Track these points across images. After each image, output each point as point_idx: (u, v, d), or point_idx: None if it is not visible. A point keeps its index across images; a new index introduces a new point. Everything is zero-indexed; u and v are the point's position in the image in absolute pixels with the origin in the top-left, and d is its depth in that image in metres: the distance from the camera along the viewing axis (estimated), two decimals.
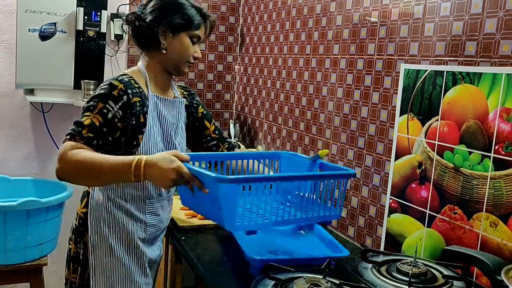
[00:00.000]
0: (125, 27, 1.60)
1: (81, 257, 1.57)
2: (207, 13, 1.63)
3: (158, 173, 1.31)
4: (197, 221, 1.99)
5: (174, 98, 1.66)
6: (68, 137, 1.43)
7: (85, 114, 1.45)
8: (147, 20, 1.53)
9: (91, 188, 1.56)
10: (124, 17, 1.58)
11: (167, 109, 1.60)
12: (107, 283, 1.53)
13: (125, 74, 1.54)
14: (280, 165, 1.76)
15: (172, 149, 1.59)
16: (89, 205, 1.54)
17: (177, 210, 2.04)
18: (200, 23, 1.58)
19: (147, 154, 1.42)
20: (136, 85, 1.52)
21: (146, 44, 1.57)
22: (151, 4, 1.57)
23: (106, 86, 1.47)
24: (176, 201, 1.84)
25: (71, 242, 1.61)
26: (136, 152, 1.49)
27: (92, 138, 1.42)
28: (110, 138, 1.46)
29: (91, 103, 1.46)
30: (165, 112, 1.59)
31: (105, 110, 1.44)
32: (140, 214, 1.57)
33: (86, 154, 1.37)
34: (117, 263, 1.54)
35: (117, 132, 1.47)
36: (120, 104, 1.46)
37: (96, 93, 1.47)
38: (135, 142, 1.50)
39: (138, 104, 1.49)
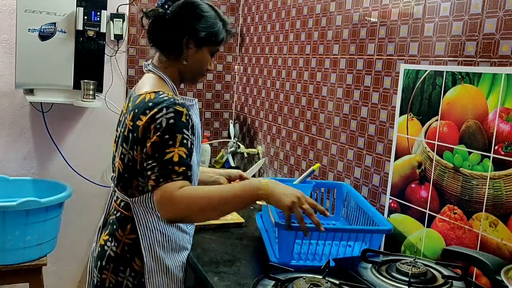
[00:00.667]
0: (145, 20, 1.50)
1: (130, 286, 1.49)
2: (231, 28, 1.56)
3: (282, 190, 1.35)
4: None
5: (185, 100, 1.57)
6: (162, 180, 1.29)
7: (167, 151, 1.31)
8: (170, 24, 1.44)
9: (134, 211, 1.47)
10: (144, 12, 1.47)
11: (194, 114, 1.53)
12: None
13: (165, 93, 1.40)
14: None
15: (200, 150, 1.56)
16: (140, 231, 1.46)
17: None
18: (224, 39, 1.52)
19: (195, 165, 1.42)
20: (187, 102, 1.44)
21: (166, 48, 1.49)
22: (177, 5, 1.45)
23: (172, 115, 1.33)
24: None
25: (106, 272, 1.50)
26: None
27: (185, 170, 1.32)
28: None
29: (167, 136, 1.32)
30: (195, 118, 1.51)
31: (185, 141, 1.34)
32: (185, 225, 1.59)
33: (200, 192, 1.31)
34: (170, 281, 1.53)
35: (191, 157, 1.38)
36: (189, 130, 1.36)
37: (164, 125, 1.32)
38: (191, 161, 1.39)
39: (194, 124, 1.41)
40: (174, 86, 1.51)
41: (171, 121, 1.33)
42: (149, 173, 1.32)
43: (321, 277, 1.29)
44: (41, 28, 2.53)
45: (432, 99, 1.58)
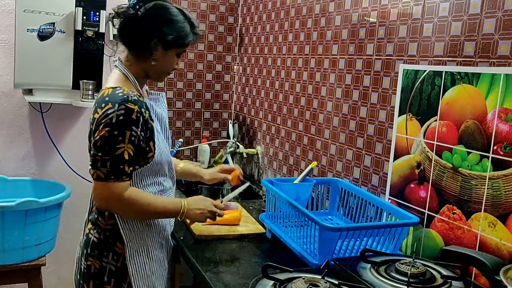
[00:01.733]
0: (115, 20, 1.55)
1: (113, 269, 1.54)
2: (198, 31, 1.62)
3: (197, 210, 1.63)
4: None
5: (150, 94, 1.69)
6: (113, 177, 1.44)
7: (117, 146, 1.43)
8: (140, 26, 1.50)
9: (94, 203, 1.56)
10: (114, 11, 1.53)
11: (158, 106, 1.66)
12: (148, 285, 1.58)
13: (122, 89, 1.49)
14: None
15: (170, 141, 1.69)
16: (117, 216, 1.53)
17: None
18: (191, 41, 1.59)
19: (160, 157, 1.56)
20: (141, 98, 1.50)
21: (134, 48, 1.55)
22: (147, 7, 1.51)
23: (122, 111, 1.43)
24: None
25: (90, 259, 1.56)
26: (151, 160, 1.53)
27: (132, 170, 1.49)
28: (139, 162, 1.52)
29: (116, 132, 1.42)
30: (158, 109, 1.64)
31: (133, 138, 1.45)
32: None
33: (143, 198, 1.50)
34: (154, 264, 1.60)
35: (143, 154, 1.51)
36: (140, 126, 1.46)
37: (113, 121, 1.42)
38: (148, 149, 1.52)
39: (149, 119, 1.51)
40: (137, 83, 1.57)
41: (121, 118, 1.43)
42: (98, 164, 1.44)
43: (320, 277, 1.29)
44: (40, 28, 2.53)
45: (431, 99, 1.58)
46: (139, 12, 1.50)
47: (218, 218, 1.71)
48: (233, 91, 3.22)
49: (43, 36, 2.54)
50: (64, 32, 2.58)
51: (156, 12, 1.51)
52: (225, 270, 1.58)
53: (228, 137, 3.14)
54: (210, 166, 3.08)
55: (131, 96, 1.46)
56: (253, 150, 2.86)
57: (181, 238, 1.85)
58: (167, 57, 1.56)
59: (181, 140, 2.99)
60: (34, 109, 2.80)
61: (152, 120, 1.53)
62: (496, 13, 1.37)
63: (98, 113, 1.45)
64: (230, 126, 3.14)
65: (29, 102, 2.76)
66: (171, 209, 1.58)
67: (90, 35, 2.60)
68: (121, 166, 1.44)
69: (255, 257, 1.70)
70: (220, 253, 1.72)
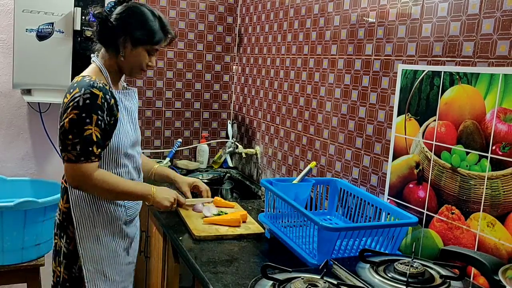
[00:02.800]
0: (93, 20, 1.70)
1: (65, 251, 1.67)
2: (169, 29, 1.72)
3: (165, 195, 1.75)
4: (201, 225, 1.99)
5: (125, 89, 1.81)
6: (82, 159, 1.54)
7: (85, 127, 1.53)
8: (110, 25, 1.63)
9: (68, 184, 1.64)
10: (92, 12, 1.67)
11: (128, 100, 1.75)
12: (98, 270, 1.67)
13: (90, 77, 1.60)
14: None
15: (137, 133, 1.78)
16: (71, 200, 1.65)
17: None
18: (160, 39, 1.69)
19: (120, 144, 1.65)
20: (107, 87, 1.61)
21: (106, 45, 1.68)
22: (119, 9, 1.65)
23: (88, 95, 1.54)
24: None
25: (56, 237, 1.73)
26: (108, 143, 1.63)
27: (100, 152, 1.59)
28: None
29: (84, 115, 1.53)
30: (127, 103, 1.73)
31: (99, 121, 1.56)
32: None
33: (112, 181, 1.61)
34: (105, 250, 1.68)
35: (107, 138, 1.62)
36: (105, 111, 1.58)
37: (80, 104, 1.53)
38: (106, 142, 1.62)
39: (115, 105, 1.62)
40: (109, 76, 1.68)
41: (87, 101, 1.54)
42: (69, 147, 1.53)
43: (319, 277, 1.29)
44: (39, 28, 2.53)
45: (430, 99, 1.58)
46: (112, 13, 1.65)
47: (218, 218, 1.90)
48: (232, 91, 3.22)
49: (42, 36, 2.54)
50: (63, 32, 2.58)
51: (127, 12, 1.65)
52: (224, 270, 1.58)
53: (227, 137, 3.14)
54: (209, 166, 3.08)
55: (97, 83, 1.58)
56: (252, 150, 2.86)
57: (180, 238, 1.85)
58: (135, 54, 1.66)
59: (180, 140, 2.99)
60: (33, 109, 2.79)
61: (118, 110, 1.63)
62: (494, 13, 1.37)
63: (67, 98, 1.57)
64: (229, 126, 3.14)
65: (27, 102, 2.75)
66: (139, 190, 1.69)
67: (89, 35, 2.59)
68: (90, 148, 1.54)
69: (254, 257, 1.70)
70: (219, 253, 1.72)
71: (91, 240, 1.65)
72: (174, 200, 1.78)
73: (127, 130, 1.70)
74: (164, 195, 1.75)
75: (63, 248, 1.68)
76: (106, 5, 1.69)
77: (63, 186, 1.70)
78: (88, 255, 1.65)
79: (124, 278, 1.76)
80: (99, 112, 1.55)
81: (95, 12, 1.65)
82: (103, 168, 1.64)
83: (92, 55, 1.74)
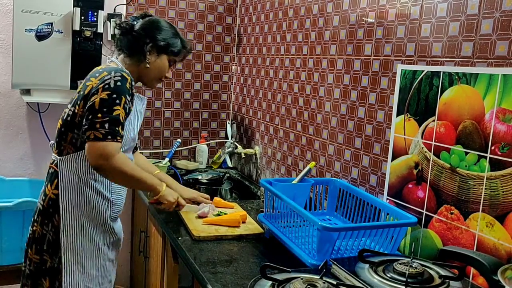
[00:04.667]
0: (116, 31, 1.80)
1: (49, 239, 1.67)
2: (188, 45, 1.85)
3: (171, 193, 1.82)
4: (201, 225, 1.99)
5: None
6: (110, 137, 1.57)
7: (114, 108, 1.58)
8: (136, 34, 1.74)
9: (59, 168, 1.66)
10: (118, 22, 1.78)
11: (139, 104, 1.83)
12: (77, 262, 1.67)
13: (116, 65, 1.70)
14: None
15: (136, 137, 1.85)
16: (60, 187, 1.65)
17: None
18: (180, 51, 1.81)
19: (124, 139, 1.67)
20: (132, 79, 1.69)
21: (131, 53, 1.76)
22: (142, 21, 1.77)
23: (119, 78, 1.61)
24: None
25: (36, 224, 1.70)
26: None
27: (122, 133, 1.62)
28: None
29: (115, 96, 1.58)
30: (139, 107, 1.82)
31: (126, 105, 1.62)
32: (108, 193, 1.73)
33: (131, 165, 1.65)
34: (88, 242, 1.69)
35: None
36: (130, 97, 1.64)
37: (112, 86, 1.58)
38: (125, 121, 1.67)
39: (134, 97, 1.70)
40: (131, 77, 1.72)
41: (118, 83, 1.60)
42: (97, 125, 1.56)
43: (318, 277, 1.29)
44: (38, 28, 2.53)
45: (429, 99, 1.58)
46: (136, 24, 1.77)
47: (217, 219, 1.95)
48: (231, 91, 3.22)
49: (41, 36, 2.54)
50: (62, 32, 2.58)
51: (150, 23, 1.78)
52: (223, 270, 1.58)
53: (227, 137, 3.14)
54: (208, 166, 3.08)
55: (125, 70, 1.66)
56: (251, 150, 2.86)
57: (179, 238, 1.85)
58: (159, 62, 1.78)
59: (179, 140, 2.99)
60: (32, 109, 2.79)
61: (133, 104, 1.70)
62: (494, 14, 1.37)
63: (93, 82, 1.62)
64: (228, 126, 3.14)
65: (27, 102, 2.75)
66: (151, 181, 1.74)
67: (88, 35, 2.59)
68: (117, 128, 1.58)
69: (254, 258, 1.70)
70: (218, 253, 1.72)
71: (75, 229, 1.66)
72: (177, 198, 1.84)
73: (131, 129, 1.76)
74: (171, 191, 1.84)
75: (48, 236, 1.67)
76: (129, 17, 1.83)
77: (52, 170, 1.70)
78: (69, 244, 1.65)
79: (101, 273, 1.75)
80: (127, 95, 1.62)
81: (121, 24, 1.76)
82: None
83: (108, 56, 1.82)
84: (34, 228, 1.71)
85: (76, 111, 1.64)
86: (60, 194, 1.65)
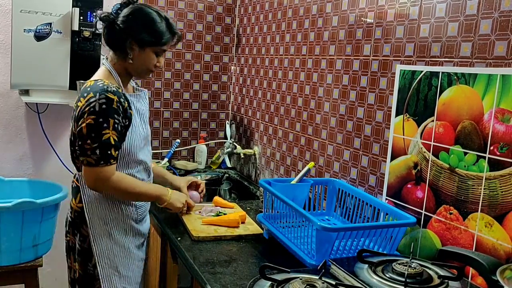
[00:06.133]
0: (99, 24, 1.75)
1: (79, 248, 1.73)
2: (176, 30, 1.74)
3: (177, 198, 1.89)
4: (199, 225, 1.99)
5: (136, 91, 1.85)
6: (102, 162, 1.59)
7: (103, 132, 1.58)
8: (117, 28, 1.66)
9: (80, 183, 1.71)
10: (98, 16, 1.70)
11: (139, 101, 1.78)
12: (111, 267, 1.72)
13: (102, 81, 1.64)
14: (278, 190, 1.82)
15: (148, 133, 1.82)
16: (84, 200, 1.70)
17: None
18: (168, 40, 1.71)
19: (133, 146, 1.70)
20: (120, 89, 1.66)
21: (114, 49, 1.71)
22: (125, 11, 1.67)
23: (104, 101, 1.58)
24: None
25: (68, 235, 1.79)
26: (123, 145, 1.67)
27: (118, 154, 1.65)
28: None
29: (101, 120, 1.57)
30: (139, 105, 1.77)
31: (116, 125, 1.60)
32: None
33: (129, 183, 1.68)
34: (118, 248, 1.73)
35: (123, 139, 1.67)
36: (121, 114, 1.62)
37: (97, 109, 1.57)
38: (121, 143, 1.67)
39: (128, 108, 1.66)
40: (119, 79, 1.71)
41: (104, 106, 1.58)
42: (89, 152, 1.58)
43: (317, 277, 1.29)
44: (37, 29, 2.52)
45: (428, 99, 1.58)
46: (118, 16, 1.67)
47: (216, 219, 1.96)
48: (230, 92, 3.22)
49: (40, 36, 2.54)
50: (61, 33, 2.58)
51: (132, 15, 1.66)
52: (222, 271, 1.58)
53: (226, 138, 3.14)
54: (207, 166, 3.08)
55: (110, 87, 1.61)
56: (250, 150, 2.86)
57: (179, 238, 1.85)
58: (144, 56, 1.69)
59: (178, 140, 2.99)
60: (30, 109, 2.79)
61: (131, 112, 1.68)
62: (492, 14, 1.38)
63: (81, 102, 1.61)
64: (228, 126, 3.14)
65: (25, 103, 2.75)
66: (156, 192, 1.80)
67: (87, 36, 2.59)
68: (109, 152, 1.60)
69: (253, 258, 1.70)
70: (217, 253, 1.72)
71: (104, 238, 1.71)
72: (185, 203, 1.92)
73: (139, 132, 1.74)
74: (177, 197, 1.89)
75: (77, 246, 1.74)
76: (112, 7, 1.71)
77: (74, 185, 1.76)
78: (102, 252, 1.71)
79: (137, 273, 1.82)
80: (115, 115, 1.60)
81: (102, 15, 1.68)
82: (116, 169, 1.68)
83: (102, 57, 1.80)
84: (68, 238, 1.80)
85: (73, 131, 1.65)
86: (84, 207, 1.70)
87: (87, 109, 1.57)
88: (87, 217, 1.70)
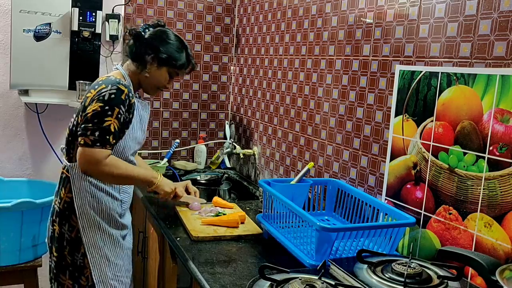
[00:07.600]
0: (127, 36, 1.87)
1: (68, 238, 1.78)
2: (193, 60, 1.91)
3: (167, 183, 1.96)
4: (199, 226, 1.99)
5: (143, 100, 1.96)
6: (98, 144, 1.66)
7: (106, 119, 1.66)
8: (144, 42, 1.80)
9: (70, 174, 1.77)
10: (128, 29, 1.85)
11: (143, 109, 1.89)
12: (102, 256, 1.79)
13: (115, 77, 1.76)
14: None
15: (143, 140, 1.93)
16: (74, 191, 1.76)
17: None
18: (183, 65, 1.87)
19: (126, 147, 1.79)
20: (130, 87, 1.78)
21: (134, 59, 1.83)
22: (153, 30, 1.84)
23: (114, 91, 1.69)
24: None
25: (55, 224, 1.81)
26: (118, 144, 1.75)
27: (115, 143, 1.72)
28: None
29: (107, 107, 1.67)
30: (142, 112, 1.88)
31: (119, 115, 1.69)
32: (116, 193, 1.84)
33: (122, 166, 1.73)
34: (106, 237, 1.81)
35: (123, 132, 1.76)
36: (126, 107, 1.71)
37: (106, 98, 1.67)
38: (126, 129, 1.76)
39: (133, 105, 1.76)
40: (131, 84, 1.82)
41: (112, 96, 1.68)
42: (88, 133, 1.65)
43: (316, 277, 1.29)
44: (36, 29, 2.52)
45: (427, 100, 1.58)
46: (145, 32, 1.83)
47: (216, 219, 1.97)
48: (230, 92, 3.22)
49: (39, 36, 2.54)
50: (60, 33, 2.58)
51: (158, 34, 1.83)
52: (221, 271, 1.58)
53: (225, 138, 3.14)
54: (207, 167, 3.08)
55: (122, 81, 1.73)
56: (249, 150, 2.86)
57: (178, 238, 1.85)
58: (159, 73, 1.84)
59: (177, 140, 2.99)
60: (30, 109, 2.79)
61: (134, 109, 1.76)
62: (492, 14, 1.38)
63: (92, 93, 1.71)
64: (227, 126, 3.14)
65: (25, 103, 2.75)
66: (145, 174, 1.87)
67: (86, 36, 2.59)
68: (107, 137, 1.67)
69: (252, 258, 1.70)
70: (216, 254, 1.72)
71: (93, 227, 1.77)
72: (174, 189, 1.96)
73: (136, 136, 1.83)
74: (167, 182, 1.96)
75: (65, 235, 1.77)
76: (141, 25, 1.88)
77: (64, 175, 1.80)
78: (91, 242, 1.77)
79: (126, 262, 1.90)
80: (121, 106, 1.69)
81: (132, 29, 1.83)
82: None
83: (115, 63, 1.92)
84: (54, 227, 1.81)
85: (79, 120, 1.72)
86: (74, 198, 1.76)
87: (96, 97, 1.68)
88: (77, 208, 1.75)
